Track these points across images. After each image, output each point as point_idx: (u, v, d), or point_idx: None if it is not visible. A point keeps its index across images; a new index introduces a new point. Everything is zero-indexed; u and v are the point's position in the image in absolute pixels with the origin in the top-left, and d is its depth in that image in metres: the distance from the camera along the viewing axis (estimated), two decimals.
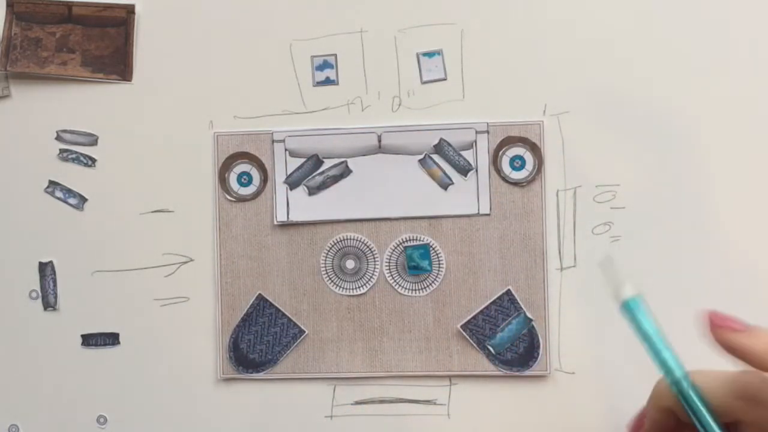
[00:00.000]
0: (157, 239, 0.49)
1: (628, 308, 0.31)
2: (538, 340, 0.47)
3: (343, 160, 0.48)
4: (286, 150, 0.48)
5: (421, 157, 0.47)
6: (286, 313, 0.48)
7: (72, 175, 0.49)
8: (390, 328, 0.48)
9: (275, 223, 0.48)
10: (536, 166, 0.47)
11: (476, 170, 0.47)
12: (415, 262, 0.48)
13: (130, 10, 0.49)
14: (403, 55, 0.48)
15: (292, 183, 0.48)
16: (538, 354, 0.47)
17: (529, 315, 0.47)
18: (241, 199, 0.48)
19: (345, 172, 0.48)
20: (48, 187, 0.49)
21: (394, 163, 0.48)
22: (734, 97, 0.46)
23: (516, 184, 0.47)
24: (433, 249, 0.47)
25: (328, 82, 0.48)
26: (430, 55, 0.48)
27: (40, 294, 0.49)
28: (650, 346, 0.31)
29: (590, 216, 0.47)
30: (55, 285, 0.49)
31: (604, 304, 0.46)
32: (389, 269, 0.48)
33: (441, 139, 0.47)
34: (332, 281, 0.48)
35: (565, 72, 0.47)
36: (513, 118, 0.47)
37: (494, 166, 0.47)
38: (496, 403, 0.47)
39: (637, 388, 0.34)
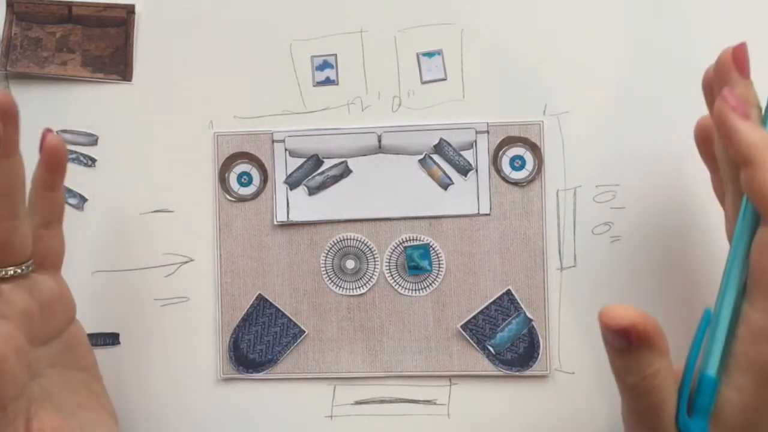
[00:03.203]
0: (157, 239, 0.49)
1: None
2: (538, 340, 0.47)
3: (343, 160, 0.48)
4: (286, 150, 0.48)
5: (421, 157, 0.47)
6: (286, 313, 0.48)
7: (72, 175, 0.49)
8: (390, 328, 0.48)
9: (275, 223, 0.48)
10: (536, 166, 0.47)
11: (476, 170, 0.47)
12: (415, 262, 0.48)
13: (130, 10, 0.49)
14: (403, 55, 0.48)
15: (292, 183, 0.48)
16: (538, 354, 0.47)
17: (529, 315, 0.47)
18: (241, 199, 0.48)
19: (345, 172, 0.48)
20: None
21: (394, 163, 0.48)
22: None
23: (516, 184, 0.47)
24: (433, 249, 0.47)
25: (328, 82, 0.48)
26: (430, 55, 0.48)
27: None
28: None
29: (590, 216, 0.47)
30: None
31: (604, 303, 0.46)
32: (389, 269, 0.48)
33: (441, 139, 0.47)
34: (332, 281, 0.48)
35: (565, 72, 0.47)
36: (513, 118, 0.47)
37: (494, 166, 0.47)
38: (496, 403, 0.47)
39: None
